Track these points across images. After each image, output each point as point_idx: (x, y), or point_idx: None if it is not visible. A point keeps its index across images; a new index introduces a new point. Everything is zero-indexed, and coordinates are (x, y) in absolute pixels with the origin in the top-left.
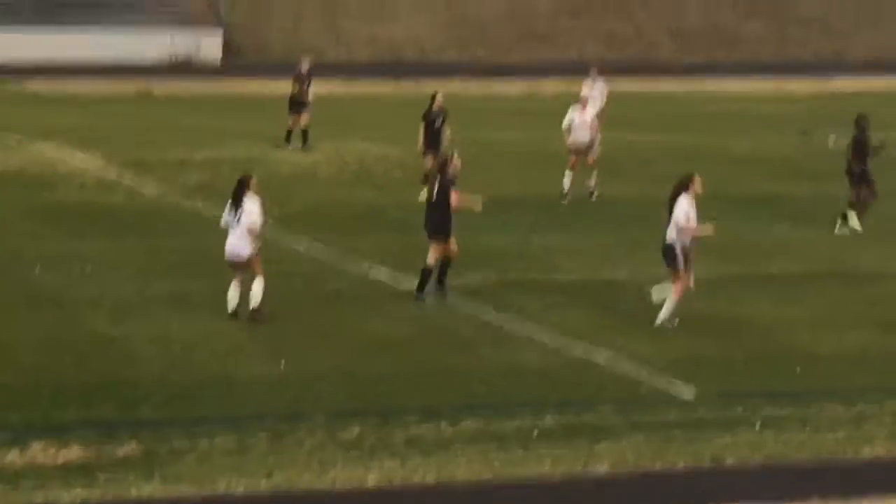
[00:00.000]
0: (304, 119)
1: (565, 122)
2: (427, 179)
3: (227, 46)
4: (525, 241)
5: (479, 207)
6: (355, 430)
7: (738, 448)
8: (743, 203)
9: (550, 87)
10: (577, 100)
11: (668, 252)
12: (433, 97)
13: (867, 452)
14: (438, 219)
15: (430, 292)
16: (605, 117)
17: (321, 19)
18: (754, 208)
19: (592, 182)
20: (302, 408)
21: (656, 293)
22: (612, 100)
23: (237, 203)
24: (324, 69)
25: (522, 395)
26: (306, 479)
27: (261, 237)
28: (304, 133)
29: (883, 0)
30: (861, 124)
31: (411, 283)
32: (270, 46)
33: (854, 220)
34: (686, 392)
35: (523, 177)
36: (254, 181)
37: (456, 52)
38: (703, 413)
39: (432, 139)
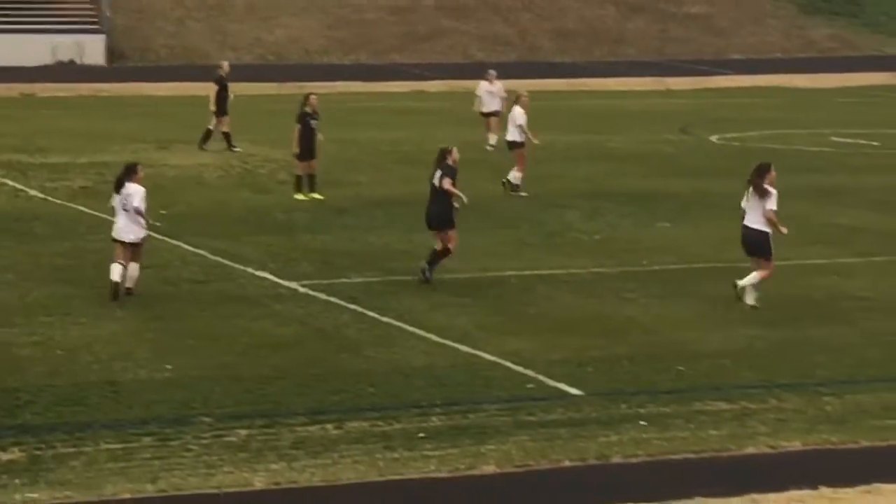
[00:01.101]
0: (226, 122)
1: (525, 120)
2: (299, 182)
3: (111, 49)
4: (409, 240)
5: (464, 200)
6: (242, 432)
7: (623, 446)
8: (623, 200)
9: (434, 87)
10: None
11: (762, 239)
12: (306, 98)
13: (750, 448)
14: (439, 210)
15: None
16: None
17: (206, 22)
18: (635, 205)
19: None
20: (188, 411)
21: (749, 296)
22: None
23: (119, 187)
24: (208, 72)
25: (408, 396)
26: (193, 483)
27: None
28: (227, 135)
29: None
30: None
31: (296, 284)
32: (154, 49)
33: None
34: (571, 391)
35: (407, 176)
36: (140, 172)
37: (339, 54)
38: (589, 412)
39: (307, 140)
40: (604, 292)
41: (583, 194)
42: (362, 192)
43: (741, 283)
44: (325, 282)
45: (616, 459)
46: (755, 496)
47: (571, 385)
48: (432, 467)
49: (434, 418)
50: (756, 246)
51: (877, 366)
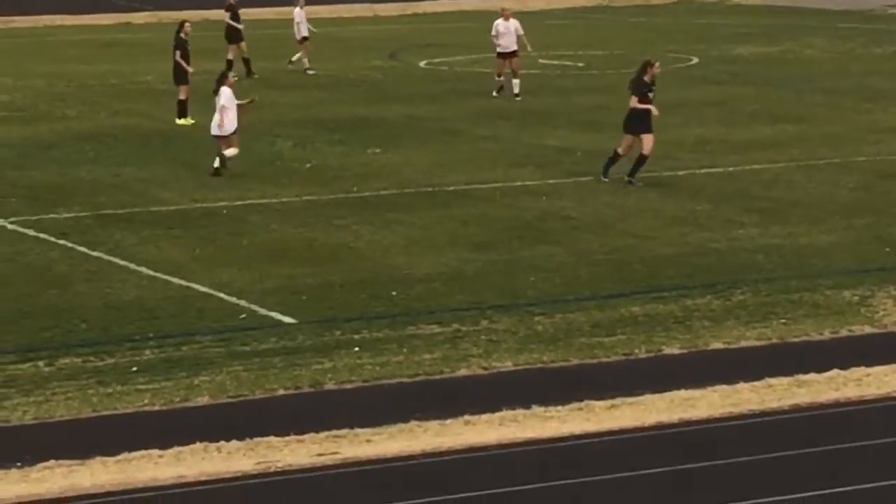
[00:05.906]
0: (245, 47)
1: None
2: None
3: None
4: (118, 173)
5: (656, 112)
6: None
7: (337, 372)
8: (334, 127)
9: (141, 18)
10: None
11: None
12: None
13: (463, 370)
14: (637, 116)
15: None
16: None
17: None
18: (345, 132)
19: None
20: None
21: None
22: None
23: None
24: None
25: (121, 330)
26: None
27: None
28: (247, 61)
29: None
30: None
31: (4, 221)
32: None
33: None
34: (284, 320)
35: (116, 109)
36: None
37: None
38: (302, 340)
39: None
40: (316, 220)
41: (293, 123)
42: (71, 126)
43: None
44: (33, 218)
45: (330, 386)
46: (469, 417)
47: (285, 313)
48: (146, 401)
49: (147, 352)
50: None
51: (586, 285)
